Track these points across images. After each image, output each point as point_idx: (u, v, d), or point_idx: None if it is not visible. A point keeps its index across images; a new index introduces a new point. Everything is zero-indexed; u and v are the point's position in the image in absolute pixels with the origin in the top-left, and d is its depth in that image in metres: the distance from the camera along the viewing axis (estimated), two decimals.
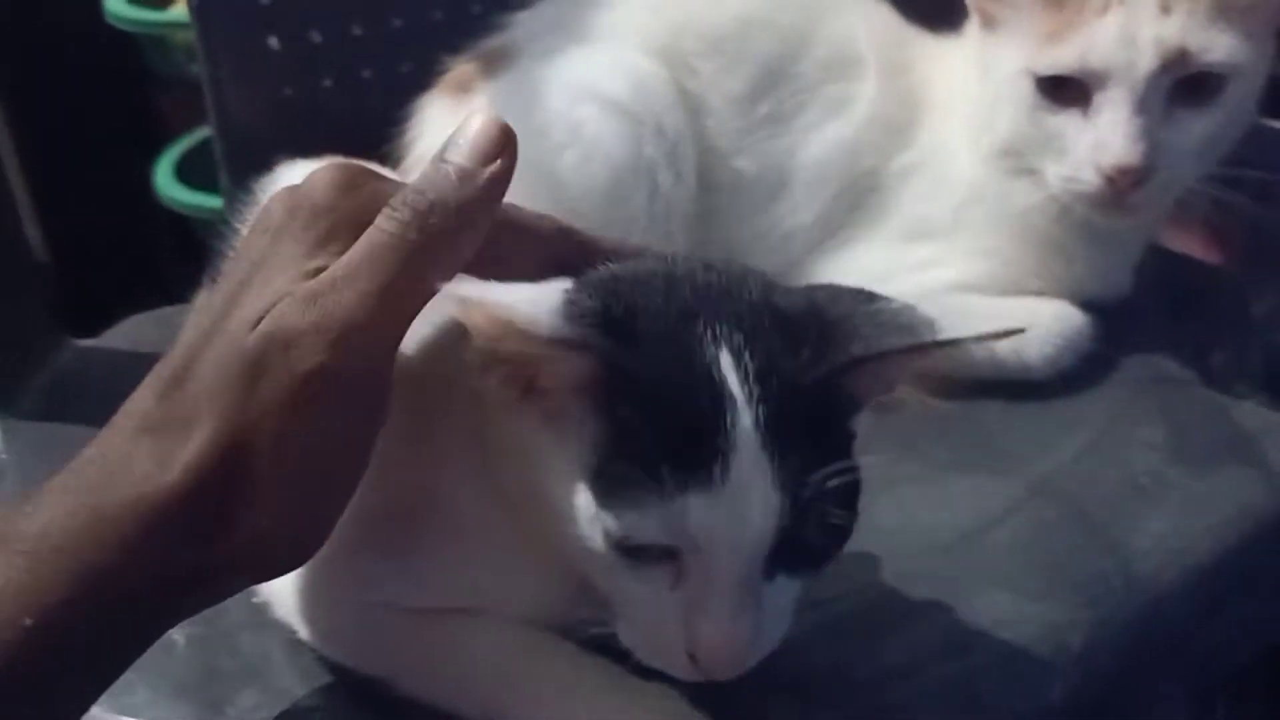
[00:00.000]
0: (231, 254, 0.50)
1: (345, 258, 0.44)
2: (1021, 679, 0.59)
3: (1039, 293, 0.78)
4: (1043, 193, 0.74)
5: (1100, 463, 0.70)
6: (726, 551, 0.45)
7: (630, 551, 0.46)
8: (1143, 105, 0.68)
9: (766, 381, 0.45)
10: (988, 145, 0.76)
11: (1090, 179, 0.70)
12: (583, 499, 0.46)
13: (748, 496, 0.45)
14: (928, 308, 0.74)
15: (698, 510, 0.44)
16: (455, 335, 0.48)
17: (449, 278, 0.44)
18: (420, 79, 0.87)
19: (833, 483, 0.46)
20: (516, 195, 0.47)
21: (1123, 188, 0.69)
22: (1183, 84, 0.69)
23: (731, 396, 0.45)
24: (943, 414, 0.75)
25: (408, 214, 0.45)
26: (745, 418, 0.45)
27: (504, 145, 0.46)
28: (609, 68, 0.79)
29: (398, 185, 0.47)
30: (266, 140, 0.83)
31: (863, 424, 0.50)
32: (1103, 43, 0.68)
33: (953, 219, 0.79)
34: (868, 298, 0.50)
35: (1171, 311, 0.80)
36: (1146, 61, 0.68)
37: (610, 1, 0.82)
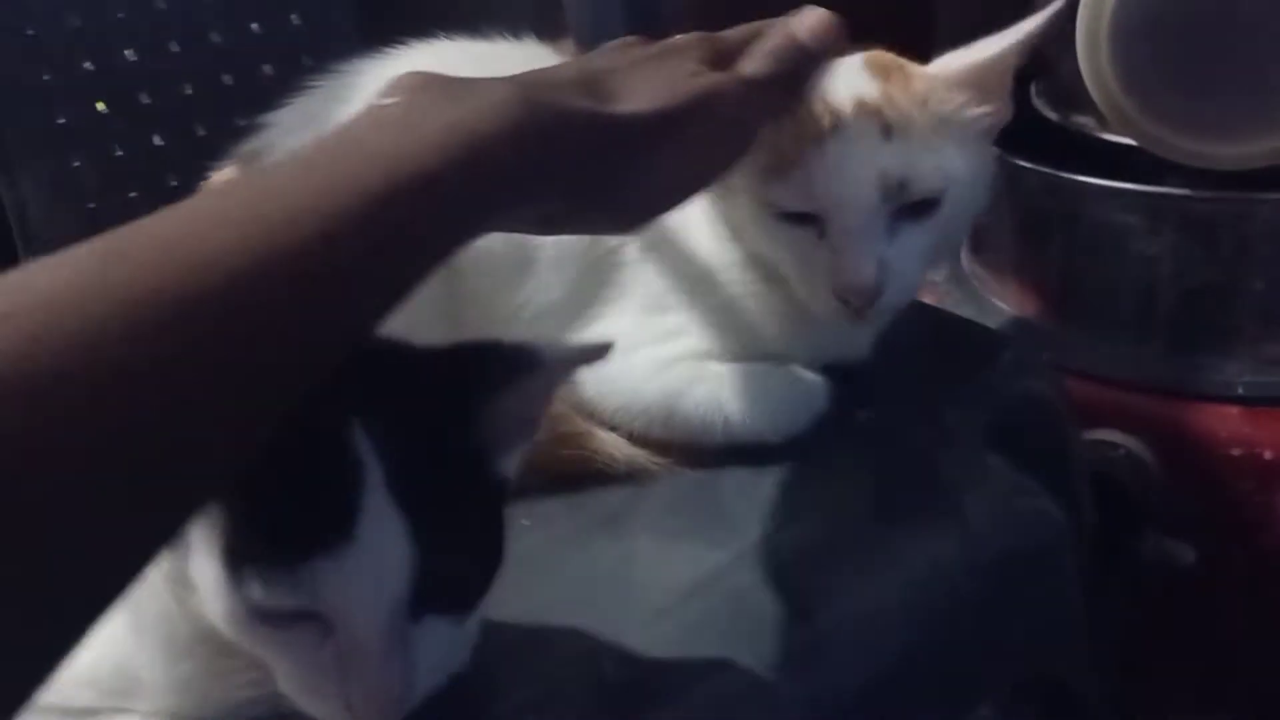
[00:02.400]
0: None
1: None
2: None
3: (777, 358, 0.80)
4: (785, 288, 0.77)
5: (809, 526, 0.72)
6: (362, 607, 0.48)
7: (272, 618, 0.48)
8: (867, 233, 0.71)
9: (396, 440, 0.49)
10: (734, 251, 0.79)
11: (828, 299, 0.73)
12: (216, 573, 0.48)
13: (378, 553, 0.48)
14: (664, 375, 0.78)
15: (326, 572, 0.47)
16: None
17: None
18: None
19: (466, 527, 0.50)
20: None
21: (857, 306, 0.72)
22: (906, 204, 0.72)
23: (359, 460, 0.48)
24: (686, 486, 0.78)
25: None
26: (374, 477, 0.48)
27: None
28: None
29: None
30: None
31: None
32: (822, 180, 0.71)
33: (691, 292, 0.82)
34: (493, 347, 0.54)
35: (909, 368, 0.82)
36: (865, 195, 0.71)
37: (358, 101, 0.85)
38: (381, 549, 0.48)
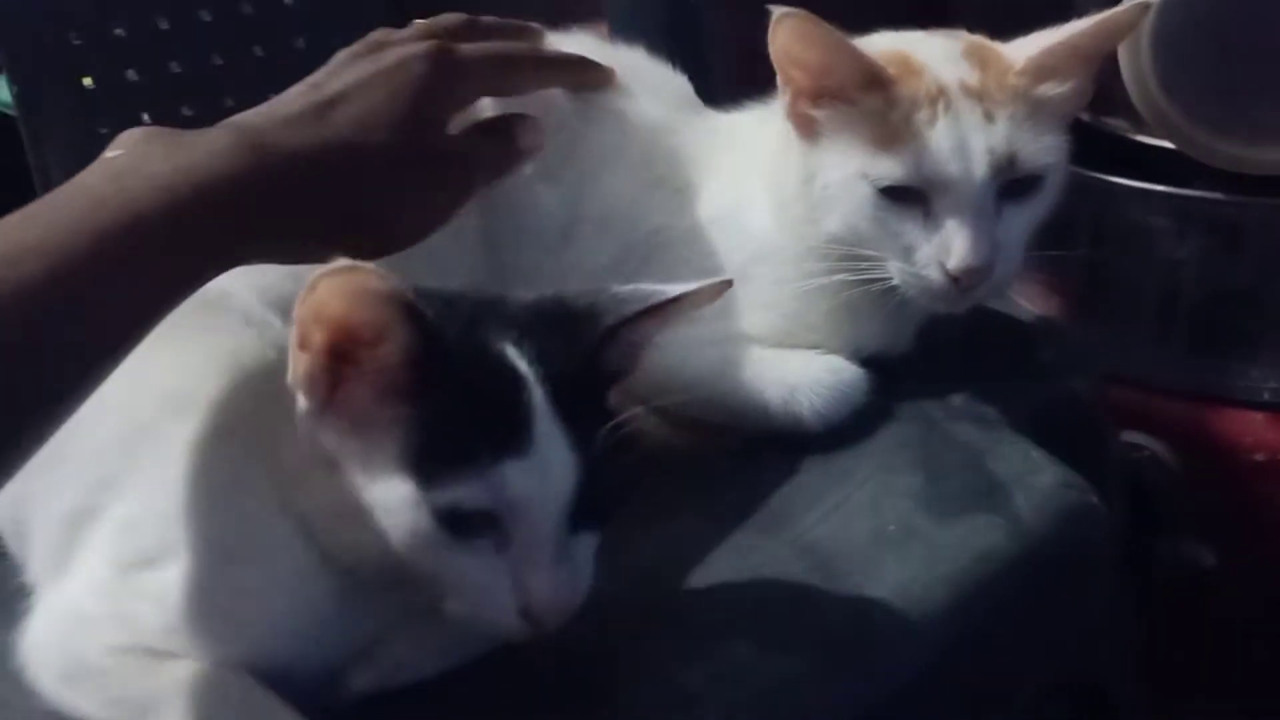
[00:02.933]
0: None
1: None
2: None
3: (818, 347, 0.80)
4: (860, 275, 0.76)
5: (855, 514, 0.72)
6: (541, 510, 0.53)
7: (457, 527, 0.52)
8: (980, 210, 0.72)
9: (544, 364, 0.54)
10: (813, 236, 0.78)
11: (936, 277, 0.73)
12: (404, 489, 0.52)
13: (550, 459, 0.53)
14: (705, 356, 0.78)
15: (514, 475, 0.52)
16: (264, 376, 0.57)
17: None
18: None
19: (611, 439, 0.55)
20: None
21: (967, 285, 0.73)
22: (1009, 184, 0.73)
23: (523, 377, 0.54)
24: (726, 470, 0.77)
25: None
26: (537, 394, 0.54)
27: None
28: None
29: None
30: None
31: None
32: (937, 154, 0.72)
33: (741, 274, 0.81)
34: (599, 289, 0.59)
35: (950, 362, 0.81)
36: (980, 171, 0.72)
37: None
38: (552, 454, 0.53)
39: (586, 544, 0.56)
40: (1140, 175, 1.02)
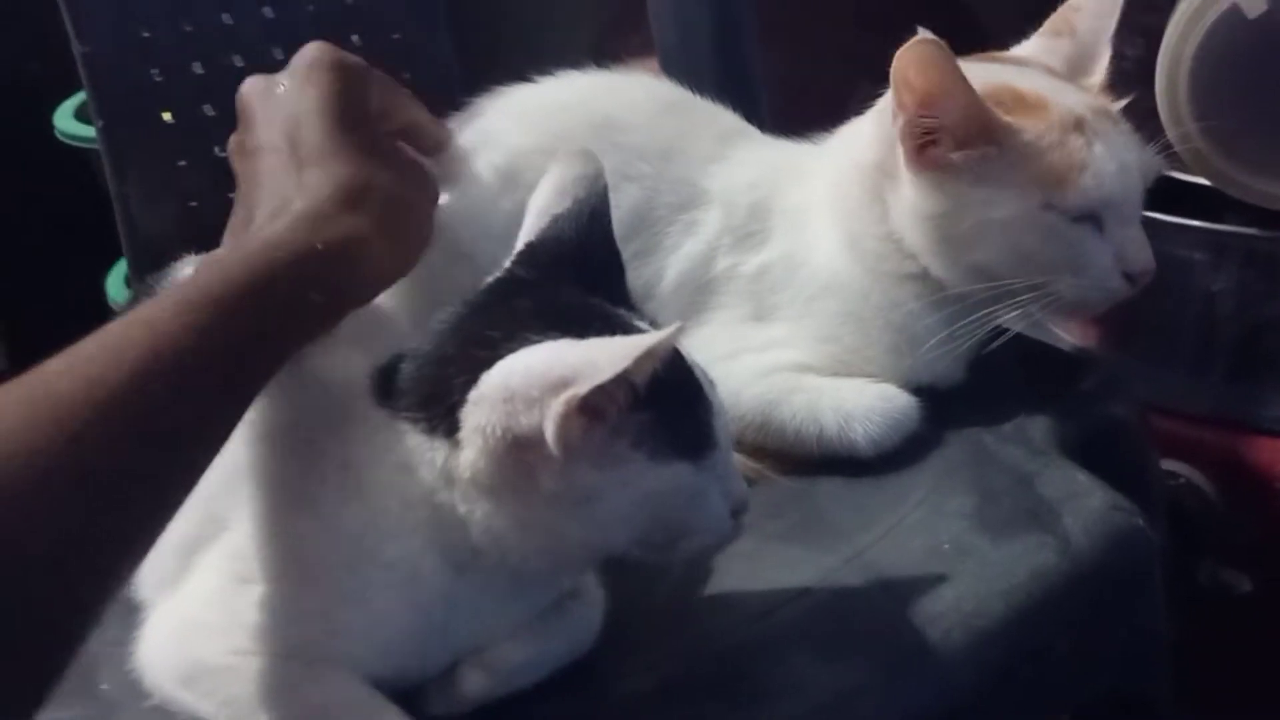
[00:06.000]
0: None
1: None
2: None
3: (874, 377, 0.83)
4: (927, 296, 0.83)
5: (911, 533, 0.75)
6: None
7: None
8: (1139, 218, 0.81)
9: None
10: (958, 268, 0.82)
11: (1119, 286, 0.81)
12: (685, 472, 0.59)
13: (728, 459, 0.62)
14: (763, 383, 0.81)
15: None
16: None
17: None
18: None
19: None
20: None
21: (1144, 284, 0.81)
22: None
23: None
24: (783, 490, 0.80)
25: None
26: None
27: None
28: (497, 204, 0.85)
29: None
30: (175, 252, 0.89)
31: None
32: (1108, 177, 0.78)
33: (803, 309, 0.85)
34: None
35: (999, 389, 0.84)
36: (1140, 185, 0.81)
37: (514, 141, 0.88)
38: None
39: None
40: (1177, 210, 1.05)
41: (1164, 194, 1.06)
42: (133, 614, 0.65)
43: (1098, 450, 0.81)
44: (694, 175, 0.88)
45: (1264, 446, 1.05)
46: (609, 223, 0.67)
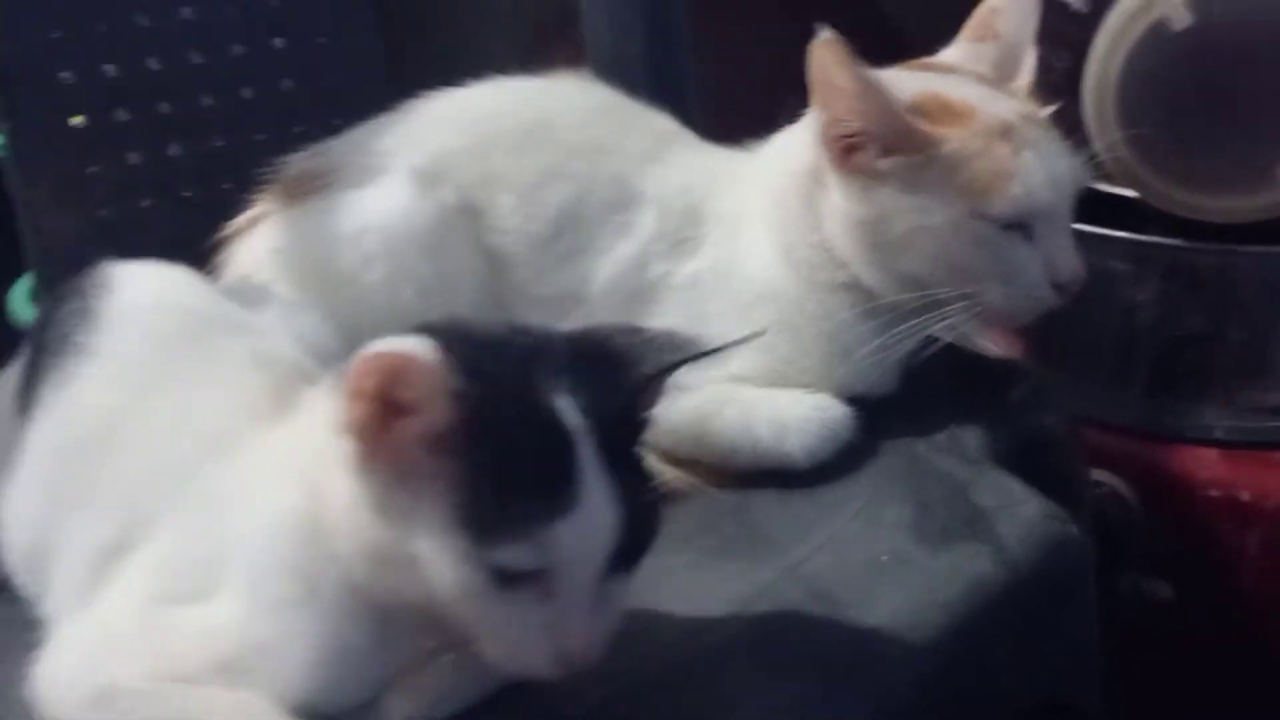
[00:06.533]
0: None
1: None
2: None
3: (808, 387, 0.83)
4: (860, 304, 0.82)
5: (849, 545, 0.74)
6: (587, 565, 0.55)
7: (504, 579, 0.54)
8: (1069, 226, 0.81)
9: (592, 414, 0.55)
10: (889, 277, 0.81)
11: (1047, 295, 0.80)
12: (453, 545, 0.53)
13: (597, 515, 0.55)
14: (697, 396, 0.80)
15: (565, 534, 0.53)
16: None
17: None
18: (240, 197, 0.90)
19: (649, 493, 0.58)
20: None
21: (1072, 294, 0.80)
22: None
23: (572, 431, 0.54)
24: (719, 505, 0.80)
25: None
26: (586, 448, 0.54)
27: None
28: (417, 205, 0.84)
29: None
30: (85, 262, 0.86)
31: None
32: (1038, 185, 0.78)
33: (738, 318, 0.84)
34: (635, 329, 0.62)
35: (932, 398, 0.84)
36: (1071, 192, 0.80)
37: (436, 140, 0.87)
38: (600, 510, 0.54)
39: (620, 586, 0.58)
40: (1100, 221, 1.06)
41: (1088, 205, 1.08)
42: (28, 631, 0.62)
43: (1029, 459, 0.82)
44: (628, 175, 0.87)
45: (1184, 456, 1.06)
46: None
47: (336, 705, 0.58)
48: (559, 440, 0.54)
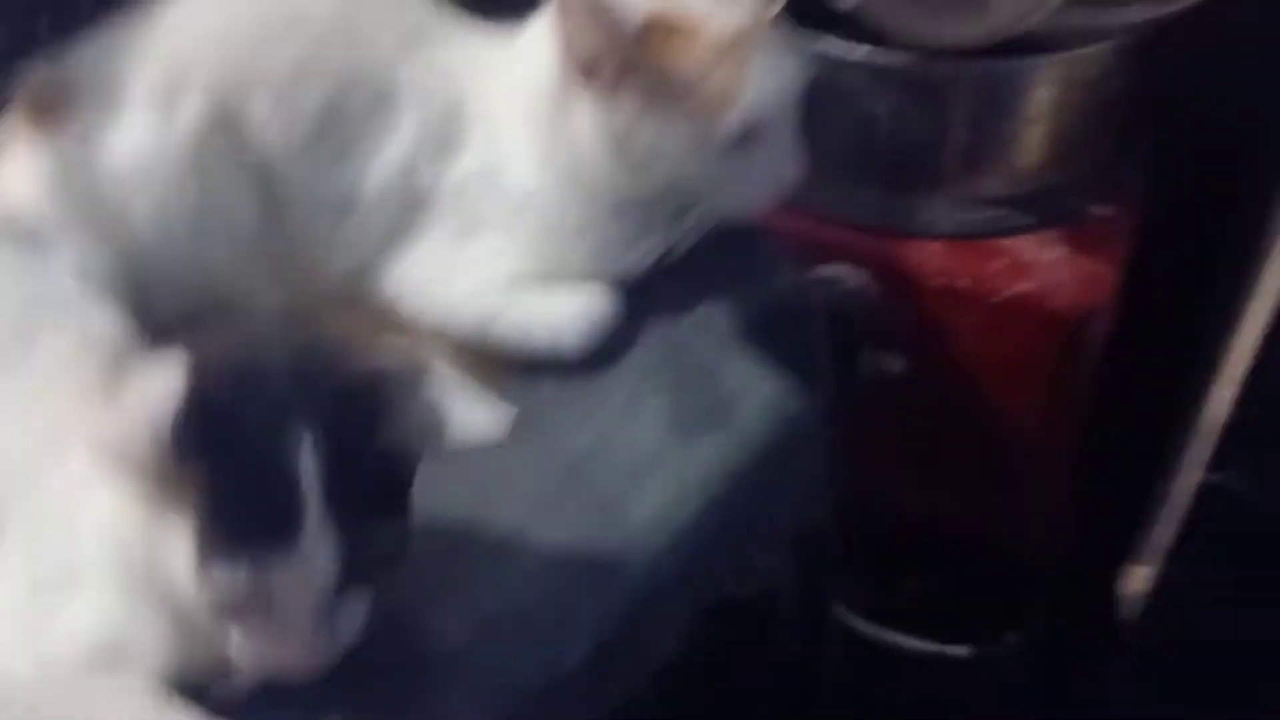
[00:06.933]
0: None
1: None
2: (533, 653, 0.72)
3: (577, 278, 0.90)
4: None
5: (614, 439, 0.84)
6: (301, 599, 0.61)
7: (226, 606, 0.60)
8: (793, 129, 0.86)
9: (333, 456, 0.60)
10: (637, 185, 0.87)
11: (766, 195, 0.87)
12: (191, 560, 0.59)
13: (316, 554, 0.60)
14: (478, 301, 0.87)
15: (275, 571, 0.59)
16: None
17: None
18: None
19: (383, 531, 0.63)
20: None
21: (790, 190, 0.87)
22: None
23: (303, 475, 0.59)
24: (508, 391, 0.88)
25: None
26: (313, 495, 0.59)
27: None
28: (164, 135, 0.84)
29: None
30: None
31: None
32: (765, 96, 0.83)
33: (505, 221, 0.90)
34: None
35: (690, 278, 0.92)
36: (793, 99, 0.85)
37: (170, 48, 0.86)
38: (318, 550, 0.60)
39: (357, 598, 0.63)
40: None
41: (831, 24, 1.15)
42: None
43: (769, 326, 0.91)
44: (384, 70, 0.88)
45: (915, 249, 1.20)
46: None
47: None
48: (285, 481, 0.59)
